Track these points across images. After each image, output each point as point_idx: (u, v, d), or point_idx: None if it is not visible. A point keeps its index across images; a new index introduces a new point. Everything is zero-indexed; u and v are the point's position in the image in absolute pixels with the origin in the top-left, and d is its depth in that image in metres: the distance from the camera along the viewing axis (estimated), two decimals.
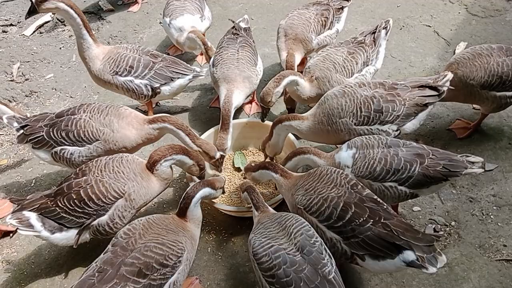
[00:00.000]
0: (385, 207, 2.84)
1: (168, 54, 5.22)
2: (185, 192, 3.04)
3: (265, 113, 3.94)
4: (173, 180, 3.61)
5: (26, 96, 5.07)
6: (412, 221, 3.55)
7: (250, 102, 4.64)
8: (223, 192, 3.36)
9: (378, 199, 2.87)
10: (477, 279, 3.19)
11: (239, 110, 4.54)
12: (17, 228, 3.10)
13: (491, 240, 3.41)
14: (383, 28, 4.14)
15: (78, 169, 3.21)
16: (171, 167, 3.34)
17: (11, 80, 5.26)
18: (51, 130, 3.48)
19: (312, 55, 4.47)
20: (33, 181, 4.13)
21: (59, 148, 3.49)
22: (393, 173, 3.06)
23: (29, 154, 4.40)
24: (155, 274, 2.64)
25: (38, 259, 3.54)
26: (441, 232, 3.45)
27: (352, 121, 3.44)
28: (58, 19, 6.14)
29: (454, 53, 4.90)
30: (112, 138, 3.47)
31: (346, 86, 3.56)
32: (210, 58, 4.45)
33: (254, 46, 4.39)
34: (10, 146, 4.48)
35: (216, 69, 4.17)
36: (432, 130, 4.26)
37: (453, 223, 3.54)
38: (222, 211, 3.64)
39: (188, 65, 4.35)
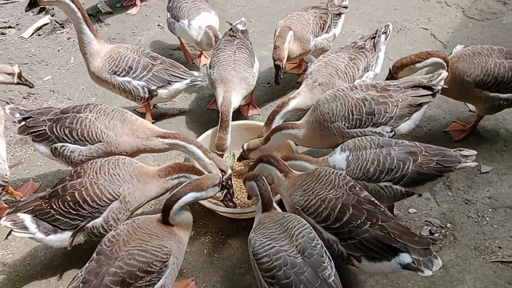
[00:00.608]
0: (382, 209, 2.84)
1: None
2: (166, 199, 2.86)
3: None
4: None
5: (24, 98, 5.07)
6: (408, 223, 3.56)
7: (248, 104, 4.65)
8: (223, 189, 3.14)
9: (376, 201, 2.87)
10: (472, 281, 3.19)
11: (236, 112, 4.53)
12: (12, 230, 3.09)
13: (486, 242, 3.41)
14: (383, 33, 4.14)
15: (73, 171, 3.21)
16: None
17: None
18: (54, 125, 3.48)
19: (312, 60, 4.47)
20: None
21: (60, 144, 3.48)
22: (387, 173, 3.06)
23: (25, 156, 4.40)
24: (140, 282, 2.61)
25: (33, 261, 3.54)
26: (437, 234, 3.47)
27: (344, 125, 3.44)
28: (56, 22, 6.16)
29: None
30: (115, 141, 3.47)
31: (338, 90, 3.56)
32: None
33: (251, 48, 4.41)
34: (7, 148, 4.47)
35: (213, 70, 4.19)
36: (428, 132, 4.27)
37: (448, 225, 3.54)
38: (219, 213, 3.63)
39: (187, 70, 4.35)
